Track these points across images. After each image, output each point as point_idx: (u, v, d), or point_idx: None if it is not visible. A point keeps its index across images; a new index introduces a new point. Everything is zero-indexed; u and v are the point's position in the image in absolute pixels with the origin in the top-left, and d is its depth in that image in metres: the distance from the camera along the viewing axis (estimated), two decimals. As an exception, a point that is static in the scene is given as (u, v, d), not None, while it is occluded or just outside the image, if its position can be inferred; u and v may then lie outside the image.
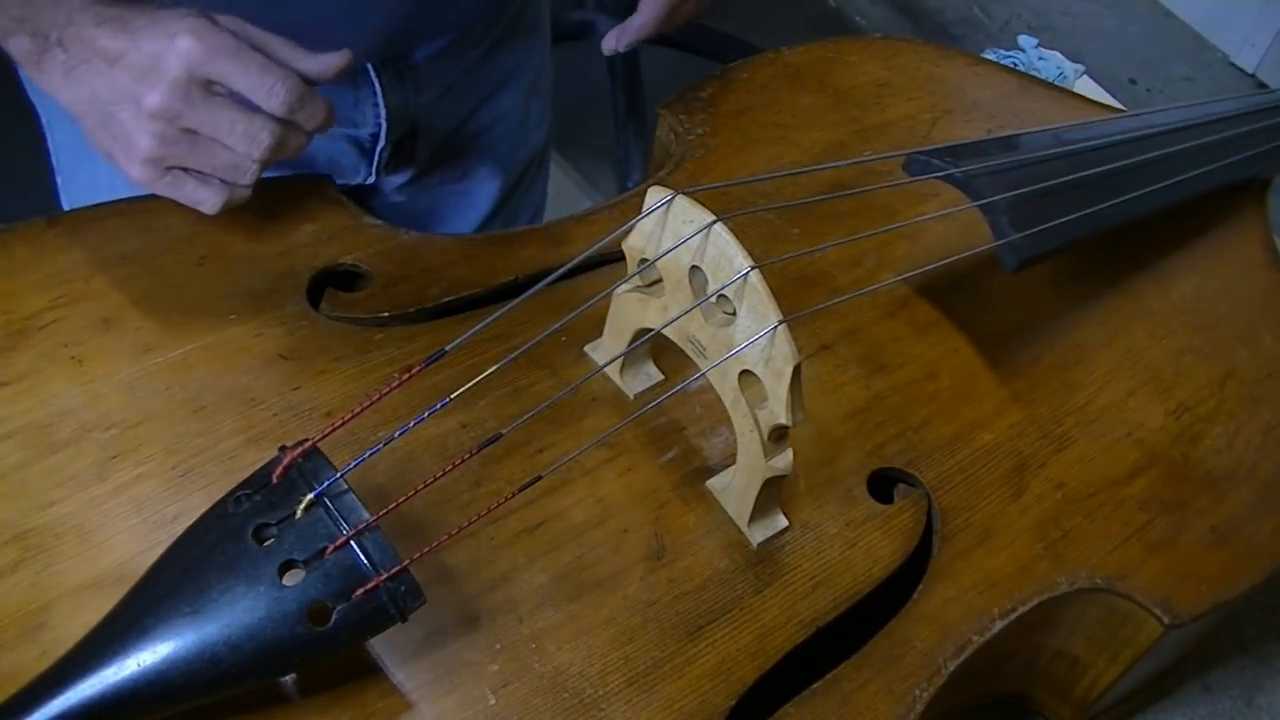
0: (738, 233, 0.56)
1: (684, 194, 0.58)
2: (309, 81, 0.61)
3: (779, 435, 0.59)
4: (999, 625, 0.63)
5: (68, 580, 0.54)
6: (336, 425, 0.53)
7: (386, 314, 0.67)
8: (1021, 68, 1.12)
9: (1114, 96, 1.11)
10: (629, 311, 0.63)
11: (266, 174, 0.63)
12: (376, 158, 0.82)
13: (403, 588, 0.51)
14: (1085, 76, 1.19)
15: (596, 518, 0.61)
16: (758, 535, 0.63)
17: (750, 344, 0.57)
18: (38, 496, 0.57)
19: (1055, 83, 1.06)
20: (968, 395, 0.72)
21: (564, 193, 1.50)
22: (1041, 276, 0.80)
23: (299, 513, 0.50)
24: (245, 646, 0.48)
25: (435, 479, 0.53)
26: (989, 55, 1.15)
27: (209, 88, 0.58)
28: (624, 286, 0.63)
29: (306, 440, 0.52)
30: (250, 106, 0.59)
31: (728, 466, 0.64)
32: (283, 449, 0.52)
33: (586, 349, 0.68)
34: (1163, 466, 0.72)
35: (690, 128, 0.83)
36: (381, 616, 0.51)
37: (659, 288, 0.62)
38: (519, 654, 0.56)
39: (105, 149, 0.61)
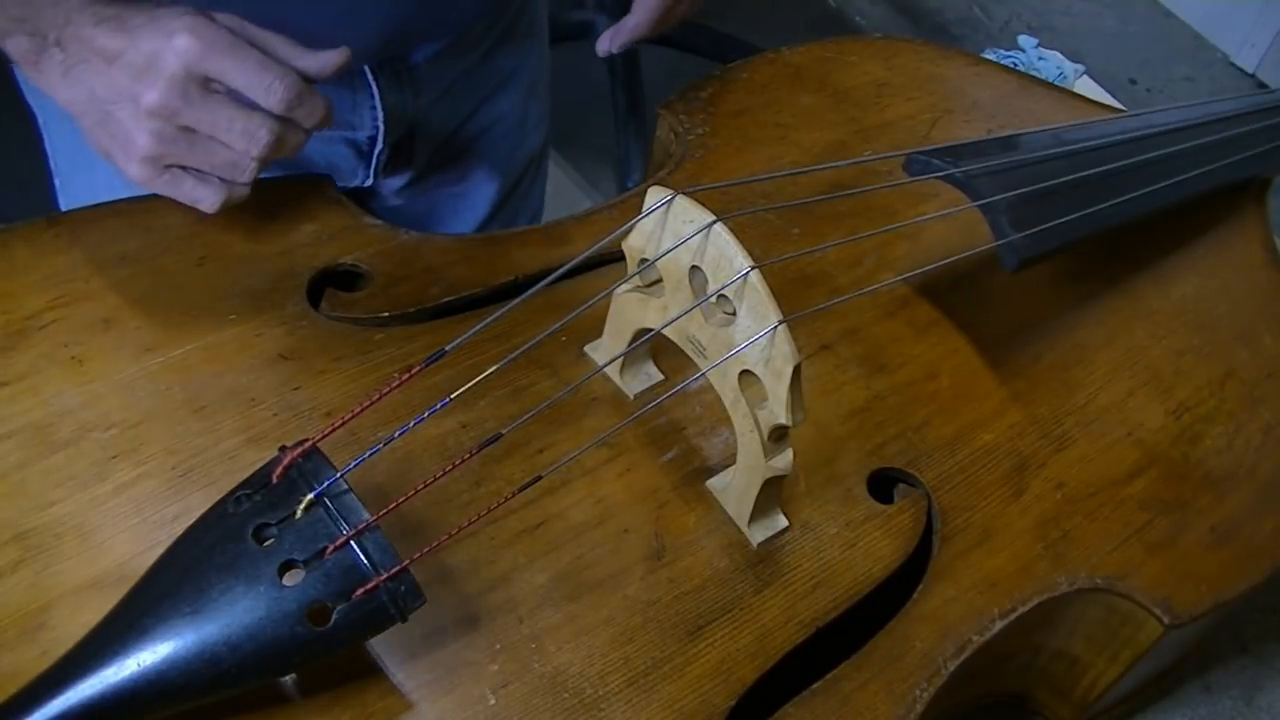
0: (738, 233, 0.56)
1: (684, 194, 0.58)
2: (307, 80, 0.61)
3: (779, 435, 0.59)
4: (999, 625, 0.63)
5: (68, 580, 0.54)
6: (336, 425, 0.53)
7: (386, 314, 0.67)
8: (1021, 68, 1.12)
9: (1114, 96, 1.11)
10: (629, 311, 0.63)
11: (265, 174, 0.63)
12: (374, 160, 0.82)
13: (403, 588, 0.51)
14: (1085, 76, 1.19)
15: (596, 518, 0.61)
16: (758, 535, 0.63)
17: (750, 344, 0.57)
18: (38, 496, 0.57)
19: (1055, 83, 1.06)
20: (968, 395, 0.72)
21: (564, 193, 1.50)
22: (1041, 276, 0.80)
23: (299, 513, 0.50)
24: (245, 646, 0.48)
25: (435, 479, 0.53)
26: (989, 55, 1.15)
27: (207, 85, 0.58)
28: (624, 286, 0.63)
29: (306, 440, 0.52)
30: (249, 104, 0.59)
31: (728, 466, 0.64)
32: (283, 449, 0.52)
33: (586, 349, 0.68)
34: (1163, 466, 0.72)
35: (690, 128, 0.83)
36: (381, 616, 0.51)
37: (659, 288, 0.62)
38: (519, 654, 0.56)
39: (103, 148, 0.61)
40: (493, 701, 0.55)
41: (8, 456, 0.57)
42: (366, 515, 0.51)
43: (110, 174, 0.62)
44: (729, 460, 0.63)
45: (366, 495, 0.52)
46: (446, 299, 0.69)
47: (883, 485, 0.67)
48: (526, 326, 0.66)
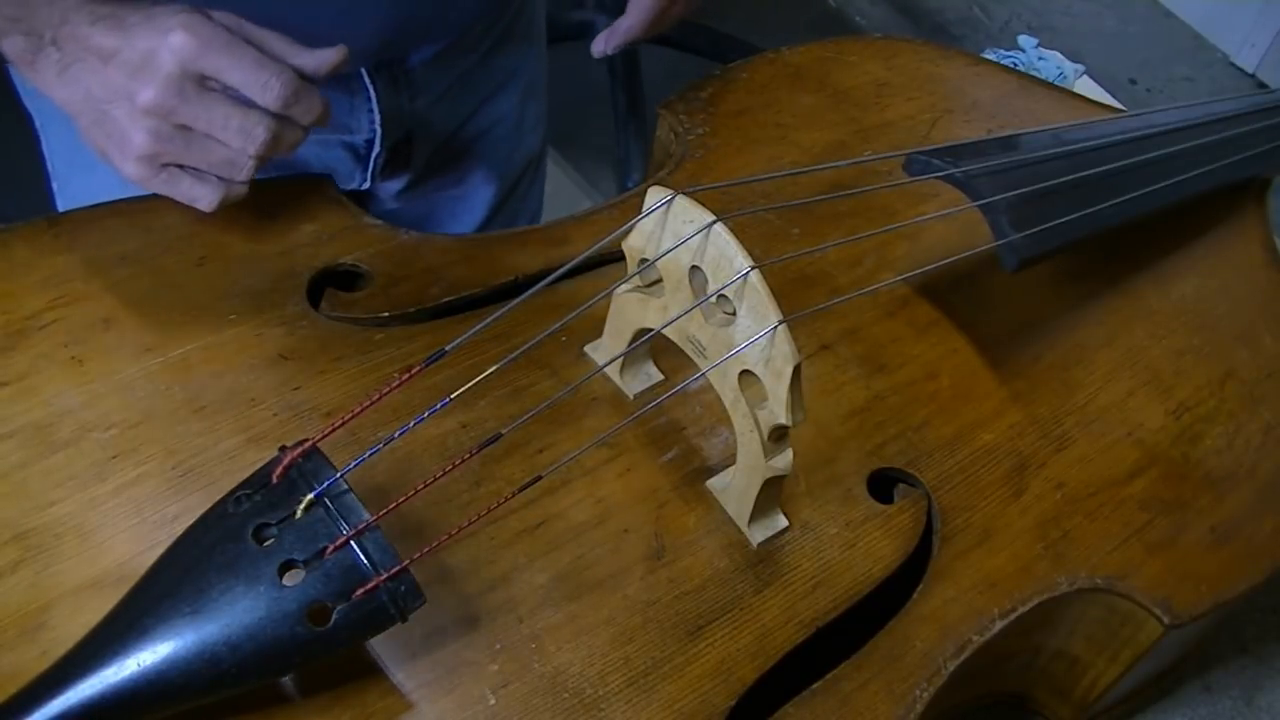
0: (738, 233, 0.56)
1: (684, 194, 0.58)
2: (304, 79, 0.61)
3: (779, 435, 0.59)
4: (999, 625, 0.63)
5: (68, 580, 0.54)
6: (336, 425, 0.53)
7: (386, 314, 0.67)
8: (1021, 68, 1.12)
9: (1114, 96, 1.11)
10: (629, 311, 0.63)
11: (262, 175, 0.63)
12: (371, 163, 0.82)
13: (403, 588, 0.51)
14: (1085, 76, 1.19)
15: (596, 518, 0.61)
16: (758, 535, 0.63)
17: (750, 344, 0.57)
18: (38, 496, 0.57)
19: (1055, 83, 1.06)
20: (968, 395, 0.72)
21: (564, 193, 1.50)
22: (1041, 276, 0.80)
23: (299, 513, 0.50)
24: (245, 646, 0.48)
25: (435, 479, 0.53)
26: (989, 55, 1.15)
27: (203, 83, 0.58)
28: (624, 286, 0.63)
29: (306, 440, 0.52)
30: (245, 102, 0.59)
31: (728, 466, 0.64)
32: (283, 449, 0.52)
33: (586, 349, 0.68)
34: (1163, 466, 0.72)
35: (690, 128, 0.83)
36: (381, 616, 0.51)
37: (659, 288, 0.62)
38: (519, 654, 0.56)
39: (100, 147, 0.61)
40: (493, 701, 0.55)
41: (8, 456, 0.57)
42: (366, 515, 0.51)
43: (108, 175, 0.62)
44: (729, 460, 0.63)
45: (366, 495, 0.52)
46: (446, 299, 0.69)
47: (883, 485, 0.67)
48: (526, 326, 0.66)
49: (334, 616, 0.50)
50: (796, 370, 0.55)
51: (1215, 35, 2.04)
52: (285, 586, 0.49)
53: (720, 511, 0.63)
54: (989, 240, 0.72)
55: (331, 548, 0.50)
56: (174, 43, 0.57)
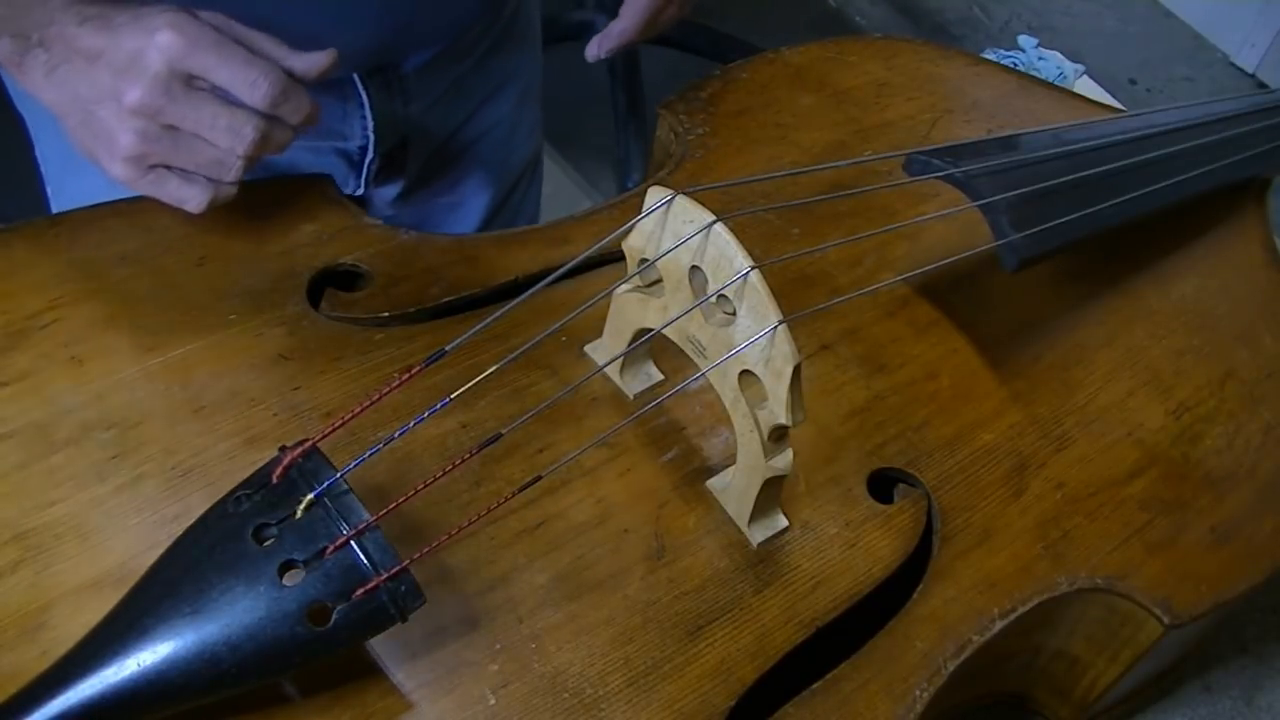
0: (738, 233, 0.56)
1: (684, 194, 0.58)
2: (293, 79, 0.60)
3: (779, 435, 0.59)
4: (999, 625, 0.63)
5: (68, 580, 0.54)
6: (336, 425, 0.53)
7: (386, 314, 0.67)
8: (1021, 68, 1.12)
9: (1114, 96, 1.11)
10: (629, 311, 0.63)
11: (252, 177, 0.62)
12: (365, 170, 0.81)
13: (403, 588, 0.51)
14: (1085, 76, 1.19)
15: (596, 518, 0.61)
16: (758, 535, 0.63)
17: (750, 344, 0.57)
18: (38, 496, 0.57)
19: (1055, 83, 1.06)
20: (968, 395, 0.72)
21: (564, 193, 1.50)
22: (1041, 276, 0.80)
23: (299, 513, 0.50)
24: (245, 646, 0.48)
25: (435, 479, 0.53)
26: (989, 55, 1.15)
27: (191, 83, 0.57)
28: (624, 286, 0.63)
29: (306, 440, 0.52)
30: (233, 102, 0.58)
31: (728, 466, 0.64)
32: (283, 449, 0.52)
33: (586, 349, 0.68)
34: (1163, 466, 0.72)
35: (690, 128, 0.83)
36: (381, 616, 0.51)
37: (659, 288, 0.62)
38: (519, 654, 0.56)
39: (87, 149, 0.60)
40: (493, 701, 0.55)
41: (8, 456, 0.57)
42: (366, 515, 0.51)
43: (101, 178, 0.61)
44: (729, 460, 0.63)
45: (366, 495, 0.52)
46: (446, 299, 0.69)
47: (883, 485, 0.67)
48: (526, 326, 0.66)
49: (334, 616, 0.50)
50: (796, 370, 0.55)
51: (1215, 35, 2.04)
52: (285, 586, 0.49)
53: (720, 511, 0.63)
54: (989, 240, 0.72)
55: (331, 548, 0.50)
56: (161, 42, 0.56)
